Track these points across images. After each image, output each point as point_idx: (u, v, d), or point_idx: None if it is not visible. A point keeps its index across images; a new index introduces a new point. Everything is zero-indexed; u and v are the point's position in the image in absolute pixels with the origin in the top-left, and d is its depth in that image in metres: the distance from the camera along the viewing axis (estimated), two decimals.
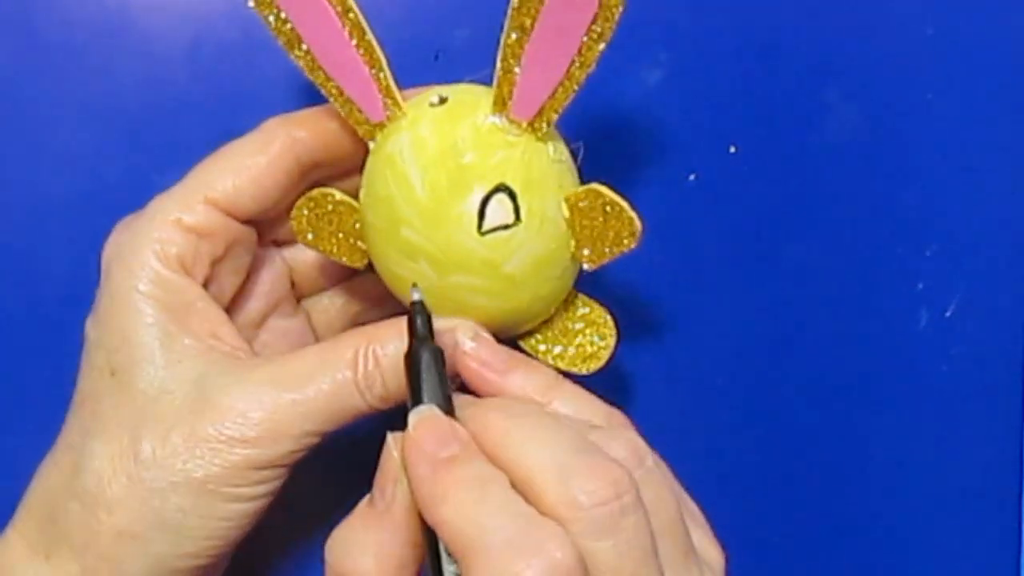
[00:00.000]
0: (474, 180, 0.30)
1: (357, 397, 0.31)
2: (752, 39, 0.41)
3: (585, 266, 0.32)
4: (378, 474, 0.28)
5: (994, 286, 0.41)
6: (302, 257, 0.36)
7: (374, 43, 0.30)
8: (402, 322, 0.31)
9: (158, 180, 0.37)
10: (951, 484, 0.41)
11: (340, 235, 0.32)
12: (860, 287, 0.41)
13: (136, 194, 0.37)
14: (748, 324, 0.40)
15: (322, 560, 0.28)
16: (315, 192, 0.32)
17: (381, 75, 0.30)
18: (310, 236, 0.32)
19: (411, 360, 0.29)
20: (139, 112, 0.39)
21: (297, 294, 0.37)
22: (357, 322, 0.38)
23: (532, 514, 0.26)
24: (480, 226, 0.30)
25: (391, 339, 0.31)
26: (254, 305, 0.35)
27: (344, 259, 0.32)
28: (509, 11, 0.29)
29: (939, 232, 0.41)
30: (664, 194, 0.40)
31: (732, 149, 0.40)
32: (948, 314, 0.41)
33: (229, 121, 0.33)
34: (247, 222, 0.33)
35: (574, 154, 0.32)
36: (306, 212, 0.32)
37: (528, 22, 0.29)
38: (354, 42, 0.30)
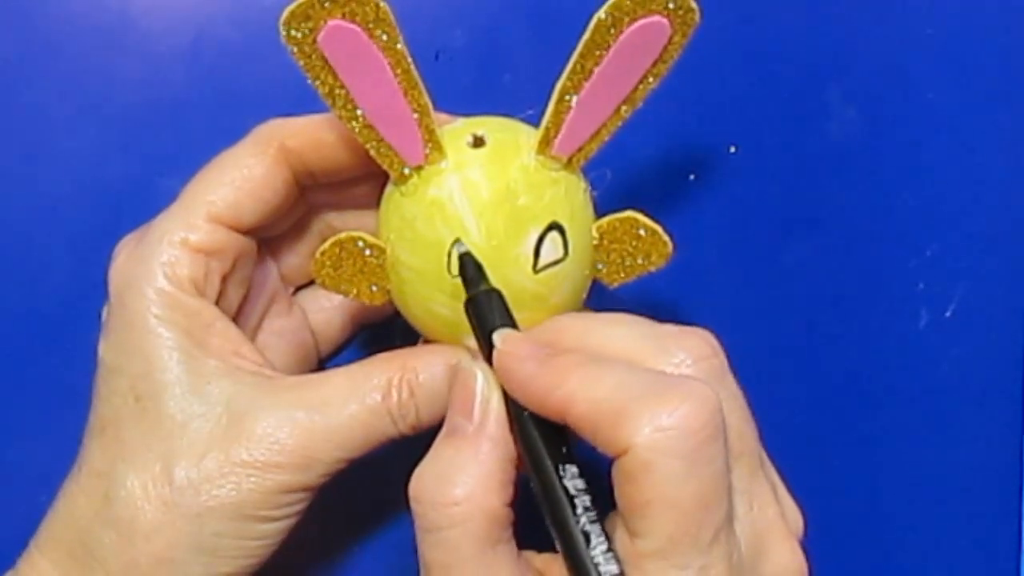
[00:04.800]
0: (530, 221, 0.30)
1: (390, 425, 0.31)
2: (752, 39, 0.41)
3: (608, 286, 0.32)
4: (455, 404, 0.28)
5: (994, 286, 0.41)
6: (287, 250, 0.36)
7: (423, 90, 0.30)
8: (435, 350, 0.31)
9: (158, 180, 0.38)
10: (951, 484, 0.41)
11: (363, 277, 0.32)
12: (860, 287, 0.41)
13: (136, 194, 0.37)
14: (748, 324, 0.40)
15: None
16: (343, 236, 0.31)
17: (426, 120, 0.30)
18: (331, 279, 0.32)
19: (473, 303, 0.29)
20: (139, 112, 0.39)
21: (287, 283, 0.37)
22: (356, 319, 0.38)
23: (658, 370, 0.26)
24: (535, 265, 0.30)
25: (425, 367, 0.31)
26: (253, 309, 0.35)
27: (364, 299, 0.32)
28: (574, 56, 0.29)
29: (939, 232, 0.41)
30: (664, 194, 0.40)
31: (732, 149, 0.40)
32: (948, 314, 0.41)
33: (229, 121, 0.33)
34: (247, 233, 0.33)
35: (595, 182, 0.33)
36: (331, 255, 0.31)
37: (591, 65, 0.29)
38: (403, 91, 0.30)
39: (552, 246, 0.30)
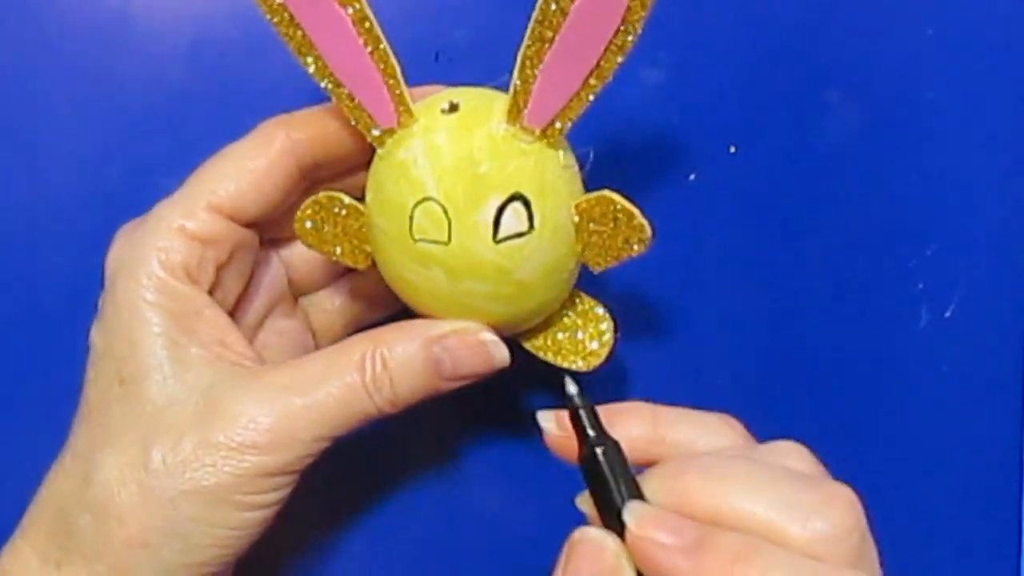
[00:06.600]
0: (490, 190, 0.30)
1: (366, 400, 0.31)
2: (752, 39, 0.41)
3: (592, 270, 0.32)
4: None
5: (994, 286, 0.41)
6: (299, 254, 0.36)
7: (389, 51, 0.30)
8: (408, 325, 0.31)
9: (159, 180, 0.37)
10: (951, 484, 0.41)
11: (344, 238, 0.32)
12: (860, 287, 0.41)
13: (137, 194, 0.37)
14: (748, 324, 0.40)
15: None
16: (321, 195, 0.32)
17: (393, 82, 0.30)
18: (314, 238, 0.32)
19: (592, 461, 0.27)
20: (139, 112, 0.39)
21: (294, 291, 0.37)
22: (357, 321, 0.38)
23: (814, 560, 0.25)
24: (495, 235, 0.30)
25: (398, 341, 0.31)
26: (254, 306, 0.35)
27: (347, 261, 0.32)
28: (531, 23, 0.29)
29: (939, 232, 0.41)
30: (664, 194, 0.40)
31: (732, 149, 0.40)
32: (948, 314, 0.41)
33: (229, 121, 0.33)
34: (249, 225, 0.33)
35: (582, 160, 0.32)
36: (311, 214, 0.32)
37: (549, 34, 0.29)
38: (369, 50, 0.30)
39: (514, 217, 0.30)
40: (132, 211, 0.33)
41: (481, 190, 0.30)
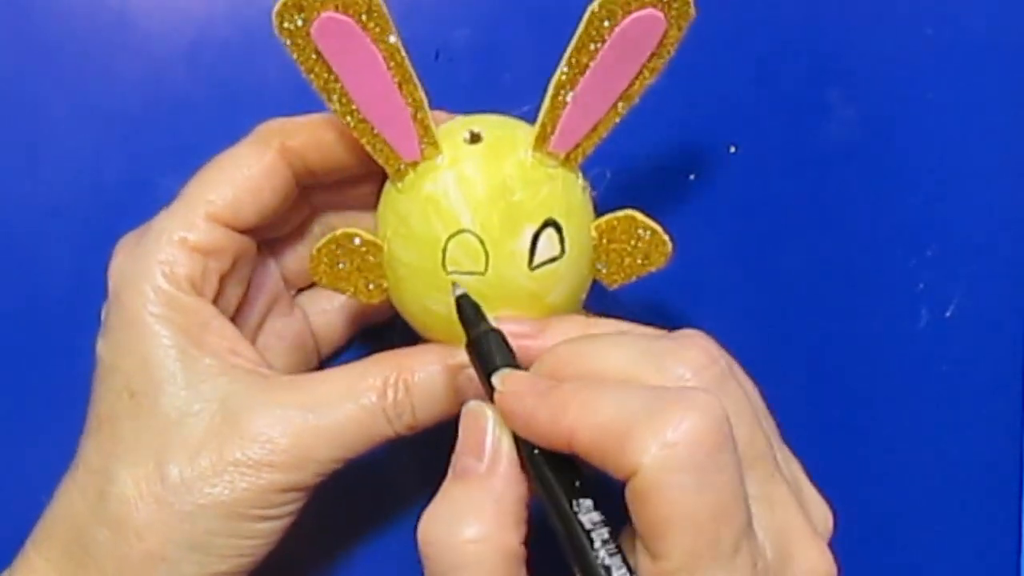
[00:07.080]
0: (525, 217, 0.30)
1: (385, 425, 0.31)
2: (752, 40, 0.41)
3: (608, 287, 0.32)
4: (464, 444, 0.28)
5: (994, 286, 0.41)
6: (291, 251, 0.36)
7: (418, 84, 0.30)
8: (432, 350, 0.31)
9: (158, 181, 0.38)
10: (951, 484, 0.41)
11: (359, 275, 0.32)
12: (860, 287, 0.41)
13: (136, 195, 0.37)
14: (747, 324, 0.40)
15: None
16: (339, 233, 0.31)
17: (422, 115, 0.30)
18: (329, 277, 0.32)
19: (474, 346, 0.29)
20: (139, 112, 0.39)
21: (289, 287, 0.37)
22: (358, 321, 0.38)
23: (658, 386, 0.26)
24: (531, 262, 0.30)
25: (421, 367, 0.31)
26: (253, 309, 0.35)
27: (361, 298, 0.32)
28: (568, 50, 0.29)
29: (939, 232, 0.41)
30: (664, 194, 0.40)
31: (732, 149, 0.40)
32: (948, 314, 0.41)
33: (229, 121, 0.33)
34: (247, 232, 0.33)
35: (594, 182, 0.33)
36: (327, 252, 0.31)
37: (586, 60, 0.29)
38: (398, 83, 0.30)
39: (548, 243, 0.30)
40: (132, 211, 0.33)
41: (517, 218, 0.30)
